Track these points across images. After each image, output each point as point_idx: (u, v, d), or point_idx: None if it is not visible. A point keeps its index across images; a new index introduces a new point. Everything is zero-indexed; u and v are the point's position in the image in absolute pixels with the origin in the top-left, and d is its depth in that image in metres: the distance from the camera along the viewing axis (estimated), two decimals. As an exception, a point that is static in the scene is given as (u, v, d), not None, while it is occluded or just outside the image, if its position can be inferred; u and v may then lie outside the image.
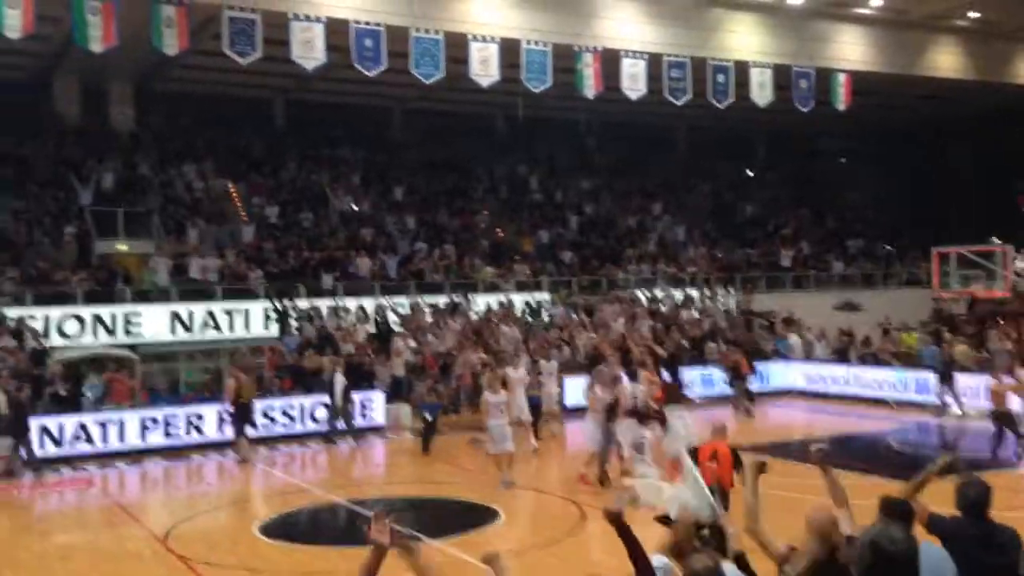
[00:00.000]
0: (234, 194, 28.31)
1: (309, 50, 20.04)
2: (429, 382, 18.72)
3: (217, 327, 22.65)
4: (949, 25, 28.20)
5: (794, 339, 25.35)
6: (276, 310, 22.89)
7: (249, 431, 17.21)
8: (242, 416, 17.03)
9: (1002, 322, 25.20)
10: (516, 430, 16.81)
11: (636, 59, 23.37)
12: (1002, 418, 15.38)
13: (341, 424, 18.91)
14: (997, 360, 19.91)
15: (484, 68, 21.77)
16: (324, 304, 23.49)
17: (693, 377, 22.66)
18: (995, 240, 21.72)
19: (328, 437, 18.80)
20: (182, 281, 23.67)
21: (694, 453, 13.37)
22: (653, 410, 13.78)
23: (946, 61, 28.78)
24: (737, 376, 21.69)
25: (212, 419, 18.27)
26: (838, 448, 17.22)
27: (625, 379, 15.28)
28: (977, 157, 36.74)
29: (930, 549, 4.65)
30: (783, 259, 32.16)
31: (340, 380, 18.88)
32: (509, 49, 21.93)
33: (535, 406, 17.80)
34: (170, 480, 16.56)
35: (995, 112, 32.98)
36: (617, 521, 4.34)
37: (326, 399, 19.04)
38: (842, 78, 25.86)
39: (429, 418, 17.51)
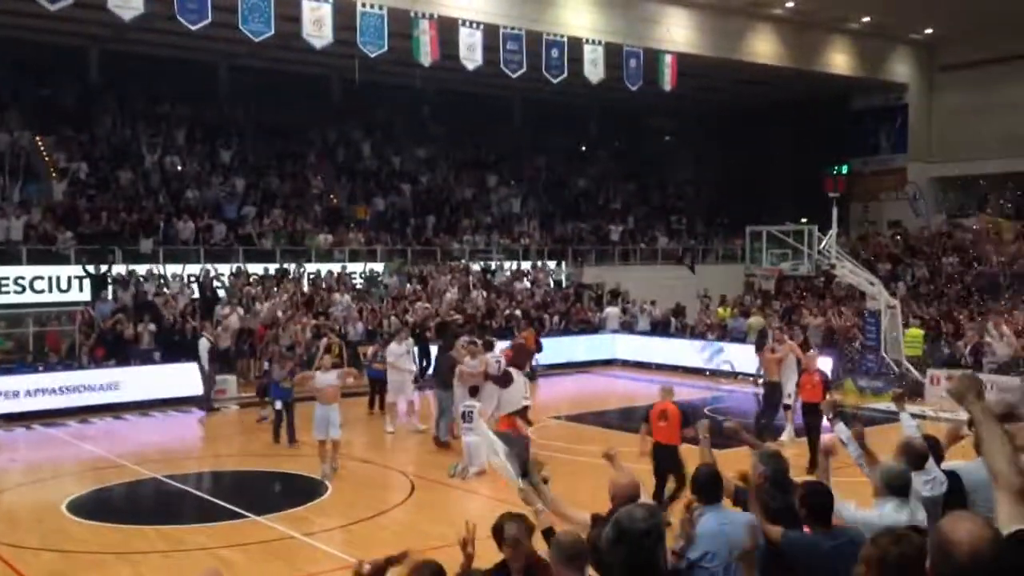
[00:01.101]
0: (42, 149, 26.31)
1: (127, -1, 18.78)
2: (288, 364, 16.95)
3: (23, 291, 21.15)
4: (767, 13, 29.71)
5: (610, 311, 26.22)
6: (89, 274, 21.54)
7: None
8: None
9: (805, 298, 27.12)
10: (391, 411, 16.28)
11: (473, 29, 23.32)
12: (766, 387, 15.66)
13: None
14: (810, 334, 21.41)
15: (317, 29, 21.09)
16: (142, 269, 22.37)
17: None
18: (803, 220, 23.23)
19: (209, 406, 18.07)
20: (-18, 242, 21.91)
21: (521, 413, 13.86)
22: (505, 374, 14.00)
23: (764, 48, 30.34)
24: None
25: (20, 388, 17.08)
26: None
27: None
28: (792, 141, 39.08)
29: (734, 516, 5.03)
30: (612, 233, 33.19)
31: (205, 345, 18.09)
32: (344, 11, 21.34)
33: (377, 380, 17.17)
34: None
35: (809, 99, 35.15)
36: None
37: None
38: (668, 59, 26.76)
39: (279, 407, 15.15)
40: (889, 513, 5.30)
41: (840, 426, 6.91)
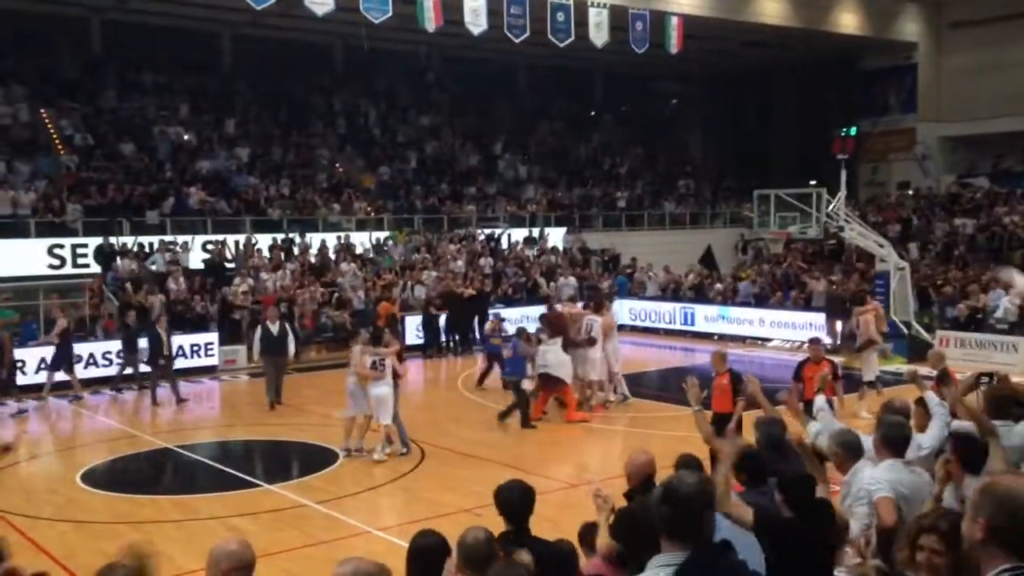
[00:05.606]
0: (47, 121, 26.24)
1: (127, -32, 18.65)
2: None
3: (32, 264, 21.24)
4: (775, -26, 29.35)
5: (564, 281, 25.03)
6: (100, 248, 21.59)
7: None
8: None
9: (812, 263, 26.99)
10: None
11: (477, -7, 23.06)
12: None
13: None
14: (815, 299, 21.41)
15: (320, -5, 20.95)
16: (150, 241, 22.44)
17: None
18: (811, 183, 23.08)
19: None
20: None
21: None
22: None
23: (771, 9, 29.98)
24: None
25: (29, 362, 17.17)
26: (667, 381, 18.16)
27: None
28: (800, 103, 38.71)
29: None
30: (619, 199, 33.03)
31: (259, 333, 16.75)
32: (347, -24, 21.17)
33: (495, 355, 16.48)
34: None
35: (817, 60, 34.76)
36: None
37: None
38: (675, 21, 26.49)
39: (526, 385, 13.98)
40: None
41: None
